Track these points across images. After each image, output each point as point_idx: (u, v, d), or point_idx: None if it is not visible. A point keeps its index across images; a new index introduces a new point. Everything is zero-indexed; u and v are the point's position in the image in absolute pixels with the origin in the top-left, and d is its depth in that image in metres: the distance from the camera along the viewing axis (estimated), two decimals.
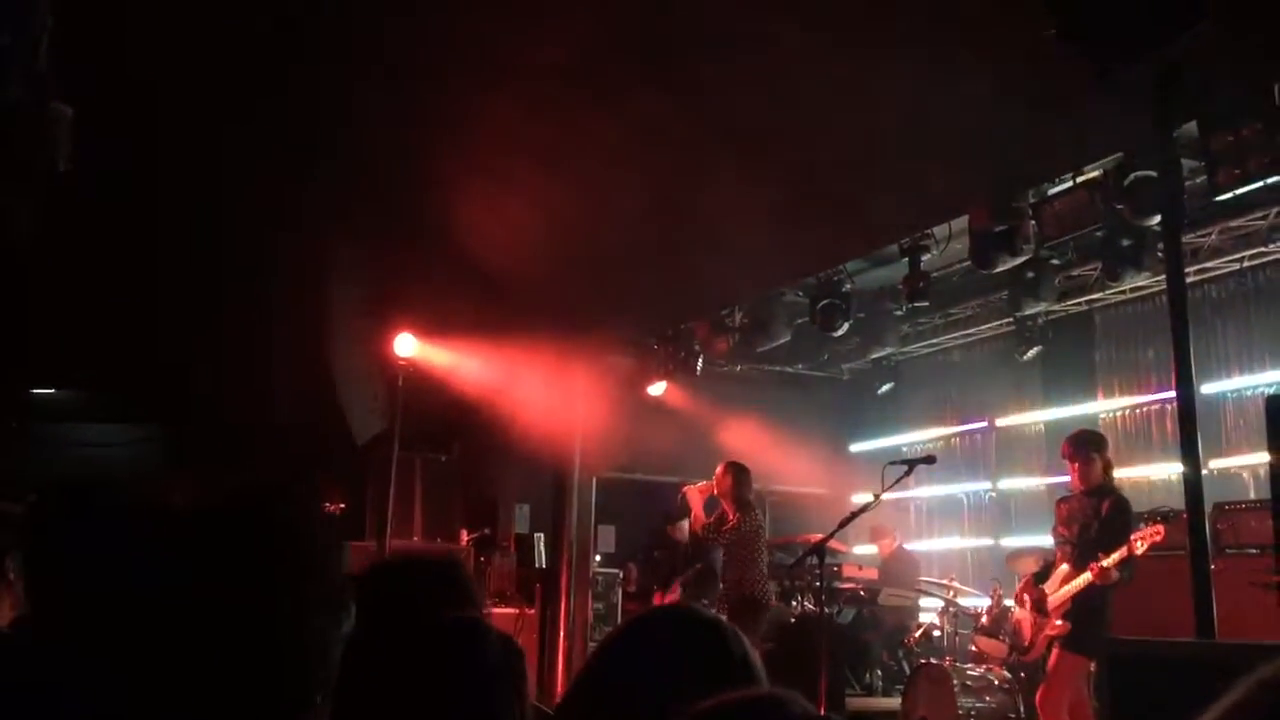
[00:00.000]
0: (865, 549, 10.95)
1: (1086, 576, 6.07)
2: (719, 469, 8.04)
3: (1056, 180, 7.46)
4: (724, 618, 1.72)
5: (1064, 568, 6.36)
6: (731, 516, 7.87)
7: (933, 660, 7.87)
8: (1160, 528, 5.96)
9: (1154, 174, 6.57)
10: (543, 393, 9.26)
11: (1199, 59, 4.38)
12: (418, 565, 2.55)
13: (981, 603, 8.21)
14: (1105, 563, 5.97)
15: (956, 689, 7.21)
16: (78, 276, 7.73)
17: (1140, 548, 5.90)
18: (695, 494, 8.14)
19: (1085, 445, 6.45)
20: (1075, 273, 9.94)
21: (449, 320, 8.94)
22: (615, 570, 11.22)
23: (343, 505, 9.87)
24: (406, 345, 9.17)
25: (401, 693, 1.72)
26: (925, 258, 8.93)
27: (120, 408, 11.69)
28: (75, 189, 4.56)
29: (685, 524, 10.27)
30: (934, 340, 12.17)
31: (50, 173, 4.20)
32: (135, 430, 11.83)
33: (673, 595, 9.92)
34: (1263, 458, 7.97)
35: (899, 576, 9.93)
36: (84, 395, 11.74)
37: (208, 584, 1.77)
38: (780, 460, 11.27)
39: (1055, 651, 6.29)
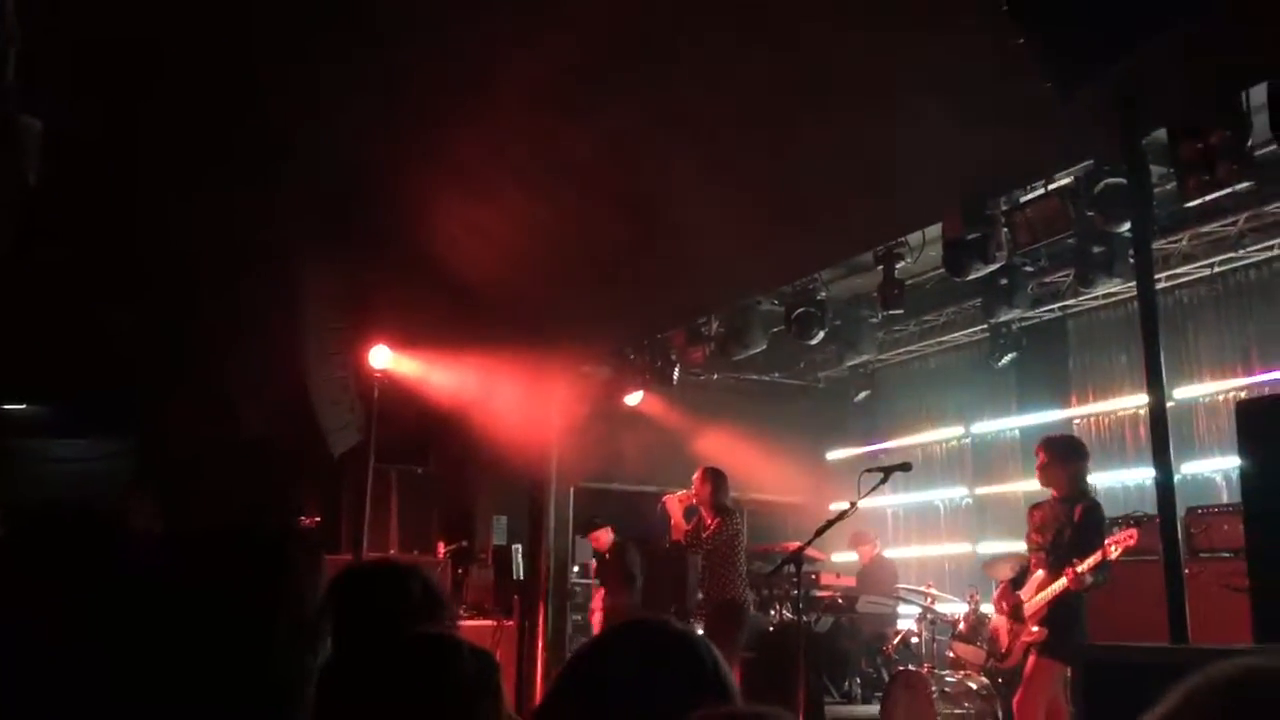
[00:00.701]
0: (844, 556, 10.97)
1: (1062, 582, 6.08)
2: (696, 476, 8.06)
3: (1028, 188, 7.51)
4: (703, 624, 1.72)
5: (1039, 574, 6.36)
6: (710, 522, 7.88)
7: (911, 667, 7.88)
8: (1134, 531, 5.99)
9: (1124, 181, 6.61)
10: (519, 404, 9.23)
11: (1167, 67, 4.41)
12: (380, 575, 2.54)
13: (959, 609, 8.21)
14: (1081, 568, 5.98)
15: (935, 696, 7.23)
16: (49, 289, 7.66)
17: (1115, 552, 5.93)
18: (675, 503, 8.14)
19: (1053, 449, 6.46)
20: (1048, 279, 10.00)
21: (424, 332, 8.91)
22: (593, 581, 11.19)
23: (318, 518, 9.83)
24: (382, 357, 9.13)
25: (375, 714, 1.70)
26: (900, 265, 8.96)
27: (92, 422, 11.57)
28: (48, 200, 4.53)
29: (602, 534, 10.36)
30: (910, 347, 12.21)
31: (20, 186, 4.16)
32: (108, 444, 11.71)
33: (599, 602, 10.15)
34: (1234, 462, 8.01)
35: (877, 584, 9.94)
36: (55, 410, 11.62)
37: (182, 614, 1.75)
38: (757, 469, 11.28)
39: (1031, 657, 6.30)
